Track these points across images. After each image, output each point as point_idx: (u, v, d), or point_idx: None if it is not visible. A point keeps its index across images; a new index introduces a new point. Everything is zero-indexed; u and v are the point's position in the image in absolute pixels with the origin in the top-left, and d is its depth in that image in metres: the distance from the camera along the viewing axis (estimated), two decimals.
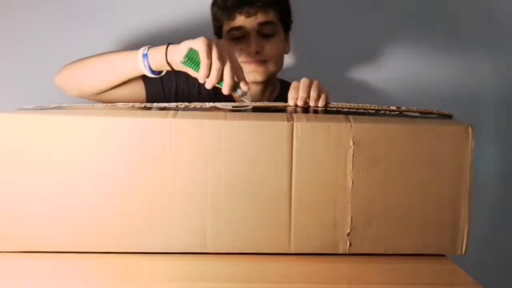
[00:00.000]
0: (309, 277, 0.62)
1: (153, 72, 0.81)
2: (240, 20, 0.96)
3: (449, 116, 0.71)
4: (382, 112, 0.69)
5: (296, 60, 1.21)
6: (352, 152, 0.65)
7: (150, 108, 0.68)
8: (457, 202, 0.67)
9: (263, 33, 0.98)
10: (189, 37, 0.75)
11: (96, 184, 0.64)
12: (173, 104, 0.72)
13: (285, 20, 1.02)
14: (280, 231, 0.66)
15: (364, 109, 0.70)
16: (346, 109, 0.70)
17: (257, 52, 0.97)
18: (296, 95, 0.77)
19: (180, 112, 0.65)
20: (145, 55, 0.79)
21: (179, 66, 0.76)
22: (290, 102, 0.77)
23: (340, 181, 0.65)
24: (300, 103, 0.77)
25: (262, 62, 0.98)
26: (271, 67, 1.00)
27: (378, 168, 0.65)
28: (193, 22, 1.16)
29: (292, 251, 0.66)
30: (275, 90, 1.07)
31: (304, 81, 0.78)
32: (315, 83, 0.78)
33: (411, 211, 0.66)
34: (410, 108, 0.73)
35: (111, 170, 0.64)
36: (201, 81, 0.73)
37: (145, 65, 0.80)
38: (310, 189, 0.65)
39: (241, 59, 0.96)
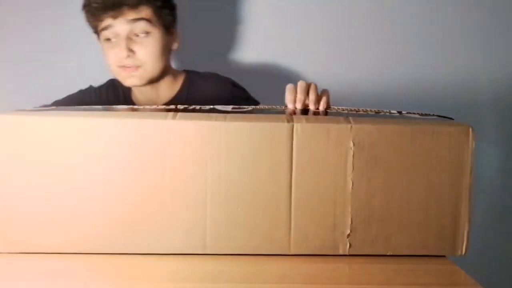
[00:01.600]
0: (309, 278, 0.62)
1: None
2: (108, 21, 0.91)
3: (449, 119, 0.71)
4: (382, 114, 0.69)
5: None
6: (352, 153, 0.64)
7: (149, 110, 0.68)
8: (457, 203, 0.66)
9: (135, 33, 0.92)
10: None
11: (95, 186, 0.64)
12: (172, 106, 0.71)
13: (163, 15, 0.95)
14: (280, 232, 0.65)
15: (364, 111, 0.70)
16: (346, 111, 0.69)
17: (128, 56, 0.91)
18: (293, 97, 0.75)
19: (179, 114, 0.65)
20: None
21: None
22: (289, 105, 0.75)
23: (340, 182, 0.65)
24: (299, 105, 0.75)
25: (136, 67, 0.93)
26: (148, 69, 0.94)
27: (378, 169, 0.65)
28: None
29: (292, 253, 0.66)
30: (175, 84, 1.02)
31: (301, 83, 0.76)
32: (312, 85, 0.76)
33: (411, 213, 0.66)
34: (411, 112, 0.72)
35: (111, 172, 0.64)
36: None
37: None
38: (310, 190, 0.65)
39: (117, 63, 0.92)
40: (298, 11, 1.19)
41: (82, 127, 0.64)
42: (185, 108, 0.69)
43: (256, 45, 1.20)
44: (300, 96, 0.74)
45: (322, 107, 0.75)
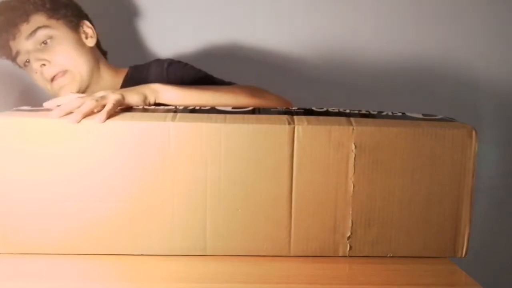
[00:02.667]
0: (309, 278, 0.62)
1: None
2: (13, 45, 0.88)
3: (452, 120, 0.70)
4: (384, 114, 0.68)
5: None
6: (353, 155, 0.64)
7: (148, 111, 0.67)
8: (458, 206, 0.66)
9: (41, 42, 0.88)
10: None
11: (95, 187, 0.64)
12: (171, 107, 0.71)
13: (60, 15, 0.91)
14: (280, 234, 0.65)
15: (366, 111, 0.69)
16: (348, 111, 0.68)
17: (46, 66, 0.88)
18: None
19: (179, 116, 0.64)
20: None
21: None
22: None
23: (341, 184, 0.64)
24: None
25: (62, 72, 0.89)
26: (74, 70, 0.90)
27: (379, 172, 0.65)
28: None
29: (292, 254, 0.66)
30: (116, 80, 0.98)
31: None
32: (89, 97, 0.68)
33: (412, 215, 0.66)
34: (414, 113, 0.72)
35: (111, 173, 0.64)
36: None
37: None
38: (311, 192, 0.64)
39: (45, 79, 0.89)
40: None
41: (83, 129, 0.63)
42: (184, 108, 0.68)
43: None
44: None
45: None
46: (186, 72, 0.94)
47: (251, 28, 1.17)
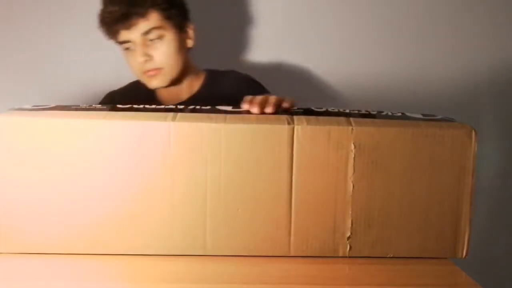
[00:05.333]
0: (308, 279, 0.62)
1: None
2: (123, 34, 0.94)
3: (451, 121, 0.70)
4: (384, 114, 0.68)
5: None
6: (353, 155, 0.64)
7: (148, 109, 0.68)
8: (458, 206, 0.66)
9: (149, 39, 0.94)
10: None
11: (96, 187, 0.64)
12: (172, 106, 0.71)
13: (175, 17, 0.97)
14: (280, 234, 0.65)
15: (366, 111, 0.69)
16: (348, 111, 0.69)
17: (147, 61, 0.94)
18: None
19: (179, 115, 0.64)
20: None
21: None
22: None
23: (340, 184, 0.65)
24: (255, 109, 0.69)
25: (156, 69, 0.96)
26: (169, 70, 0.97)
27: (379, 172, 0.65)
28: None
29: (292, 254, 0.66)
30: (196, 82, 1.04)
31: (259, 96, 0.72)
32: (272, 97, 0.71)
33: (412, 215, 0.66)
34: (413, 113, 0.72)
35: (111, 173, 0.64)
36: None
37: None
38: (311, 192, 0.65)
39: (139, 70, 0.96)
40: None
41: (83, 128, 0.64)
42: (185, 107, 0.69)
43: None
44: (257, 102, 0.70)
45: (285, 104, 0.71)
46: (264, 92, 0.99)
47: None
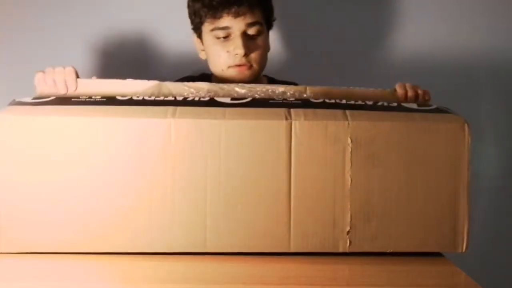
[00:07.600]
0: (308, 279, 0.62)
1: None
2: (227, 20, 0.93)
3: (446, 111, 0.71)
4: (380, 105, 0.70)
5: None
6: (350, 149, 0.65)
7: (147, 102, 0.68)
8: (455, 198, 0.67)
9: (248, 34, 0.95)
10: None
11: (95, 185, 0.65)
12: (171, 98, 0.71)
13: (269, 19, 1.00)
14: (279, 230, 0.66)
15: (362, 102, 0.71)
16: (344, 101, 0.70)
17: (245, 55, 0.94)
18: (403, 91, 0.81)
19: (179, 111, 0.65)
20: None
21: None
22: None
23: (339, 179, 0.65)
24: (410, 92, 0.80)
25: (248, 65, 0.96)
26: (257, 68, 0.98)
27: (376, 166, 0.66)
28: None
29: (291, 250, 0.66)
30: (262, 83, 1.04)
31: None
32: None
33: (410, 208, 0.66)
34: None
35: (111, 171, 0.65)
36: None
37: None
38: (309, 187, 0.65)
39: (228, 63, 0.95)
40: None
41: (83, 126, 0.65)
42: (184, 99, 0.70)
43: None
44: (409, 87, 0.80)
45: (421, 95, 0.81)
46: None
47: None
